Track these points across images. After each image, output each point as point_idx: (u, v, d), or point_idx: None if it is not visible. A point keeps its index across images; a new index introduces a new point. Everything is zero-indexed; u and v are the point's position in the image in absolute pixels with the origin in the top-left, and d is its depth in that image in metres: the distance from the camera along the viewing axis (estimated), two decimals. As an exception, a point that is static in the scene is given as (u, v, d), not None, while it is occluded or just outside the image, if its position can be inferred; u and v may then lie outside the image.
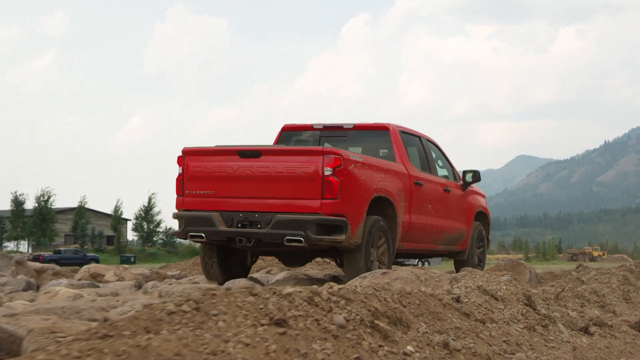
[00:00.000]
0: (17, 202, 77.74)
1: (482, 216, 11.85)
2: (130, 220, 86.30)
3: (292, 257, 9.31)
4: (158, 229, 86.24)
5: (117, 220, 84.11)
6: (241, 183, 8.08)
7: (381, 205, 8.52)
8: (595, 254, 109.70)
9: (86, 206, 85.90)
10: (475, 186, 11.70)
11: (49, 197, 78.43)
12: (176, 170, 8.50)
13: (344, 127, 9.86)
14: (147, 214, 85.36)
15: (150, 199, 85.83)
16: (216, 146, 8.55)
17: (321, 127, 10.03)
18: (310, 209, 7.79)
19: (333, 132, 10.05)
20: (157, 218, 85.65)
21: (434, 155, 10.69)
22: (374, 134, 9.81)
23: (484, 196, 12.33)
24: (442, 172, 10.88)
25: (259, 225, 7.95)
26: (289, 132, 10.22)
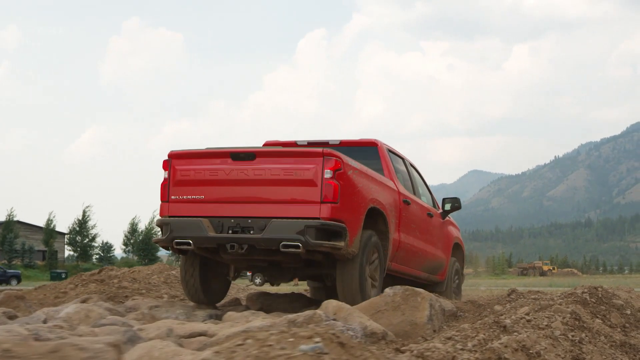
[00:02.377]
0: None
1: (458, 248, 11.73)
2: (66, 234, 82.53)
3: (281, 271, 8.46)
4: (93, 244, 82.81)
5: (49, 234, 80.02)
6: (233, 187, 7.62)
7: (374, 219, 8.15)
8: (545, 268, 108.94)
9: (16, 219, 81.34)
10: (450, 217, 11.37)
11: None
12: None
13: (330, 143, 9.46)
14: (81, 227, 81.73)
15: (84, 212, 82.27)
16: (207, 148, 8.00)
17: (305, 143, 9.69)
18: (308, 213, 7.31)
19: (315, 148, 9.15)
20: (93, 232, 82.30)
21: (416, 179, 10.48)
22: (361, 150, 9.31)
23: (458, 228, 12.11)
24: (423, 197, 10.53)
25: (251, 232, 7.44)
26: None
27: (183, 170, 7.77)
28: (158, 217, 7.98)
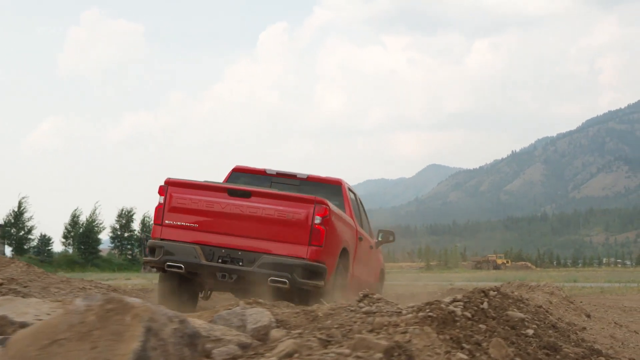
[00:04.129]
0: None
1: (382, 274, 12.72)
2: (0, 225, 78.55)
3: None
4: (30, 236, 79.01)
5: (-20, 226, 76.05)
6: (227, 220, 8.28)
7: (341, 257, 8.84)
8: (499, 261, 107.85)
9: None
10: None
11: None
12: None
13: (297, 176, 10.21)
14: (17, 219, 77.85)
15: (20, 203, 78.38)
16: (205, 182, 8.62)
17: (274, 173, 10.32)
18: (296, 252, 8.14)
19: (286, 180, 10.28)
20: (29, 224, 78.47)
21: (363, 213, 11.10)
22: (326, 187, 10.11)
23: (381, 253, 13.00)
24: (365, 229, 11.04)
25: (240, 263, 8.18)
26: (239, 174, 10.38)
27: (179, 198, 8.38)
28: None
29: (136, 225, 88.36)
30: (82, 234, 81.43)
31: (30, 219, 78.79)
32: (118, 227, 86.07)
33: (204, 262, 8.14)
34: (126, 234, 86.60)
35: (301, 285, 8.02)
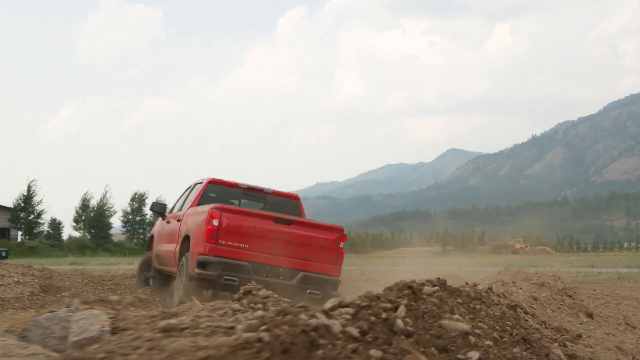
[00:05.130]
0: None
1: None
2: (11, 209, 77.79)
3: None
4: (40, 220, 78.15)
5: (-8, 210, 75.38)
6: (272, 242, 9.84)
7: None
8: (518, 246, 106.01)
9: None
10: None
11: None
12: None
13: (265, 191, 11.84)
14: (27, 203, 77.02)
15: (29, 187, 77.55)
16: (257, 210, 10.53)
17: (245, 187, 11.72)
18: (326, 270, 10.20)
19: (255, 194, 11.81)
20: (39, 208, 77.64)
21: None
22: (287, 201, 12.04)
23: None
24: None
25: (280, 277, 9.81)
26: (214, 186, 11.58)
27: (231, 222, 9.70)
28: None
29: (148, 209, 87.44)
30: (93, 218, 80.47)
31: (39, 202, 77.95)
32: (130, 210, 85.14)
33: (253, 276, 9.37)
34: (138, 218, 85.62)
35: (330, 296, 8.64)
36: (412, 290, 2.90)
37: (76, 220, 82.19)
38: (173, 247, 11.35)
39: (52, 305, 9.15)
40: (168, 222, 12.37)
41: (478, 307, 3.49)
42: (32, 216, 77.45)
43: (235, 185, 11.68)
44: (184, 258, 10.43)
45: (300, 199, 12.19)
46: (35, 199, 78.01)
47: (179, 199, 12.93)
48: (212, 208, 9.79)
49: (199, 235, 9.90)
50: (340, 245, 10.43)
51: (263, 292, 3.54)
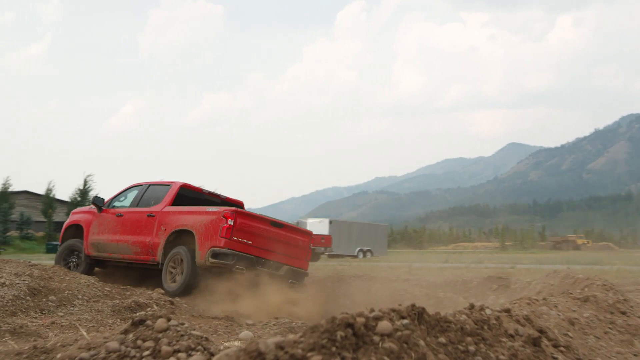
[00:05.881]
0: None
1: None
2: (68, 202, 78.35)
3: None
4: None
5: (48, 203, 75.80)
6: (268, 240, 12.22)
7: None
8: (580, 242, 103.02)
9: (22, 189, 77.63)
10: None
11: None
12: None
13: (220, 196, 14.38)
14: (83, 197, 77.52)
15: (85, 181, 78.07)
16: (258, 214, 12.51)
17: (207, 192, 14.08)
18: (301, 265, 12.84)
19: (212, 198, 14.12)
20: (95, 202, 77.82)
21: None
22: (234, 205, 14.27)
23: None
24: None
25: (272, 269, 12.13)
26: (185, 189, 13.56)
27: (243, 223, 11.90)
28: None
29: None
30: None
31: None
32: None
33: (255, 267, 11.88)
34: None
35: (302, 285, 12.81)
36: (352, 331, 1.80)
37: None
38: (142, 238, 12.92)
39: (25, 312, 8.28)
40: (120, 215, 13.69)
41: (473, 348, 2.38)
42: (88, 210, 77.53)
43: (200, 190, 13.90)
44: (179, 249, 12.18)
45: (244, 204, 14.75)
46: (92, 193, 78.45)
47: (120, 195, 14.33)
48: (226, 210, 11.87)
49: (211, 231, 11.80)
50: (311, 247, 13.21)
51: (160, 323, 2.50)
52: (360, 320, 1.98)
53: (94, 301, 9.46)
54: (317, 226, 50.41)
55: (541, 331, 3.15)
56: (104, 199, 14.43)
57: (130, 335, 2.51)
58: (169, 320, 2.65)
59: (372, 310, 2.20)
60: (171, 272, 12.19)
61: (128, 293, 10.72)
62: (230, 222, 11.61)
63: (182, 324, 2.73)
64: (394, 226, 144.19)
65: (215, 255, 11.52)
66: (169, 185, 13.52)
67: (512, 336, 2.88)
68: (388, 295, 12.88)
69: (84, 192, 77.41)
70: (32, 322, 7.65)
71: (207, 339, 2.69)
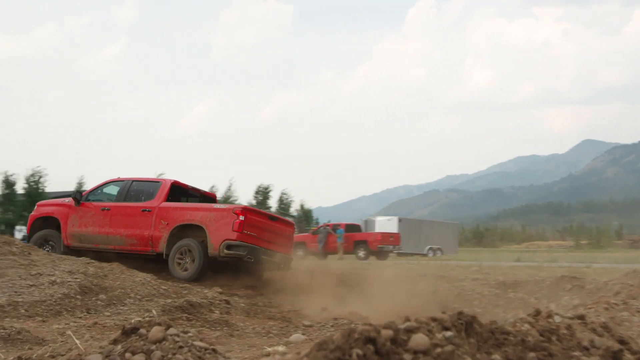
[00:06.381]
0: (8, 183, 71.96)
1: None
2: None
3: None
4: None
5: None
6: (267, 232, 13.83)
7: None
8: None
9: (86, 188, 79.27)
10: None
11: (39, 178, 72.33)
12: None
13: (201, 191, 15.82)
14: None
15: (157, 180, 79.26)
16: (259, 209, 15.72)
17: (190, 188, 15.40)
18: (288, 251, 14.67)
19: (195, 193, 15.59)
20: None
21: None
22: (209, 198, 15.92)
23: None
24: None
25: (269, 257, 13.77)
26: (176, 187, 14.81)
27: (251, 218, 13.53)
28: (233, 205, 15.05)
29: (272, 202, 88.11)
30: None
31: (230, 200, 79.71)
32: (255, 203, 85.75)
33: (260, 257, 13.52)
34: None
35: (289, 269, 14.61)
36: (375, 348, 1.35)
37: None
38: (139, 231, 14.01)
39: (71, 312, 8.06)
40: (106, 209, 14.54)
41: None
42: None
43: (185, 186, 15.18)
44: (187, 241, 13.46)
45: (216, 197, 16.43)
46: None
47: (95, 190, 15.28)
48: (236, 207, 13.70)
49: (224, 225, 13.24)
50: (293, 237, 15.32)
51: (155, 332, 2.10)
52: (387, 333, 1.54)
53: (146, 300, 9.22)
54: (386, 224, 49.85)
55: (622, 342, 2.62)
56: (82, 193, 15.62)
57: (119, 347, 2.12)
58: (167, 328, 2.26)
59: (406, 319, 1.75)
60: (179, 263, 13.42)
61: (185, 292, 10.46)
62: (242, 217, 13.17)
63: (185, 332, 2.32)
64: (465, 224, 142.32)
65: (229, 247, 13.09)
66: (158, 182, 14.84)
67: (586, 349, 2.38)
68: (455, 295, 12.39)
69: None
70: (74, 322, 7.44)
71: (213, 351, 2.28)
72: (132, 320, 2.52)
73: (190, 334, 2.20)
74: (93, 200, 14.98)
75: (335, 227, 42.19)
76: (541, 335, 2.17)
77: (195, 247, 13.29)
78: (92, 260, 11.64)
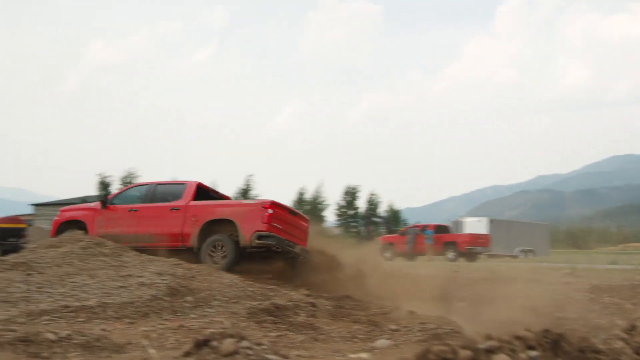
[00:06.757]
0: (104, 185, 74.36)
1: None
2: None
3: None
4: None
5: (211, 203, 78.76)
6: (289, 225, 15.08)
7: None
8: None
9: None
10: None
11: (133, 179, 74.51)
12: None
13: (219, 193, 16.92)
14: (244, 197, 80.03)
15: (247, 182, 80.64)
16: (283, 204, 15.60)
17: (211, 189, 16.61)
18: (304, 244, 15.58)
19: (212, 194, 16.49)
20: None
21: None
22: (225, 198, 17.08)
23: None
24: None
25: (292, 248, 14.94)
26: (200, 188, 15.91)
27: (278, 212, 14.83)
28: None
29: (360, 203, 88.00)
30: (308, 212, 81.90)
31: (256, 197, 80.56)
32: (345, 204, 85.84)
33: (285, 247, 14.62)
34: (351, 212, 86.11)
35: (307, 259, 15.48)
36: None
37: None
38: (169, 229, 15.15)
39: (158, 314, 8.14)
40: (134, 210, 15.81)
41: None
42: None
43: (207, 188, 16.34)
44: (219, 235, 14.64)
45: (230, 198, 17.68)
46: (252, 192, 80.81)
47: (120, 194, 16.76)
48: (264, 202, 14.86)
49: (254, 218, 14.48)
50: (308, 230, 16.08)
51: (227, 345, 2.03)
52: (465, 354, 1.44)
53: (233, 302, 9.26)
54: (476, 225, 49.15)
55: None
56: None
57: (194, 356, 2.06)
58: (240, 340, 2.20)
59: (487, 337, 1.64)
60: (211, 255, 14.55)
61: (271, 294, 10.47)
62: (270, 211, 14.47)
63: (259, 344, 2.25)
64: (558, 225, 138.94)
65: (260, 237, 14.29)
66: (184, 184, 16.12)
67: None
68: (547, 299, 12.04)
69: (245, 192, 79.89)
70: (161, 324, 7.51)
71: (287, 365, 2.21)
72: (201, 336, 2.48)
73: (264, 346, 2.14)
74: (118, 203, 16.24)
75: (424, 228, 41.91)
76: (636, 353, 2.01)
77: (227, 240, 14.52)
78: (181, 262, 11.82)
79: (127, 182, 76.48)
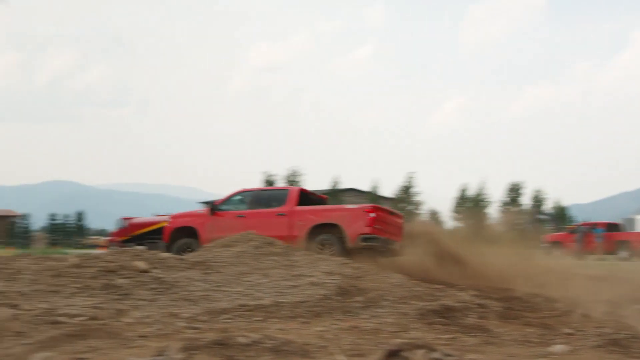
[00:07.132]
0: (269, 183, 76.70)
1: None
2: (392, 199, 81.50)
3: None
4: (419, 210, 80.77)
5: (374, 200, 79.43)
6: (389, 225, 16.04)
7: None
8: None
9: (340, 187, 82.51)
10: None
11: (298, 177, 76.35)
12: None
13: (316, 194, 18.19)
14: (406, 194, 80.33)
15: (408, 179, 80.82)
16: (383, 206, 17.20)
17: (311, 193, 17.82)
18: (400, 240, 16.54)
19: (314, 197, 17.88)
20: (417, 199, 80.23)
21: None
22: (319, 199, 18.35)
23: None
24: None
25: (390, 245, 15.84)
26: (302, 193, 17.06)
27: (379, 215, 15.65)
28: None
29: (525, 200, 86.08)
30: (470, 209, 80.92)
31: (417, 194, 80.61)
32: (509, 200, 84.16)
33: (386, 246, 15.55)
34: (515, 209, 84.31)
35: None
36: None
37: (455, 211, 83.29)
38: (277, 232, 15.39)
39: (330, 314, 8.24)
40: (241, 216, 16.76)
41: None
42: (412, 206, 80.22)
43: (307, 191, 17.46)
44: (326, 237, 15.49)
45: (327, 199, 18.86)
46: (413, 190, 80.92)
47: (226, 201, 17.44)
48: (366, 206, 16.04)
49: (358, 222, 15.46)
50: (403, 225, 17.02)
51: (419, 357, 2.02)
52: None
53: (401, 302, 9.23)
54: (650, 223, 46.60)
55: None
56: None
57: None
58: (431, 351, 2.20)
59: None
60: (319, 253, 15.09)
61: (439, 294, 10.36)
62: (372, 215, 15.51)
63: (449, 355, 2.24)
64: None
65: (365, 239, 15.32)
66: (286, 189, 17.96)
67: None
68: None
69: (407, 189, 79.99)
70: (334, 324, 7.62)
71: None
72: (390, 347, 2.48)
73: (454, 357, 2.12)
74: (225, 210, 17.27)
75: (593, 226, 40.32)
76: None
77: (335, 239, 15.48)
78: (348, 261, 11.96)
79: (293, 180, 78.57)
